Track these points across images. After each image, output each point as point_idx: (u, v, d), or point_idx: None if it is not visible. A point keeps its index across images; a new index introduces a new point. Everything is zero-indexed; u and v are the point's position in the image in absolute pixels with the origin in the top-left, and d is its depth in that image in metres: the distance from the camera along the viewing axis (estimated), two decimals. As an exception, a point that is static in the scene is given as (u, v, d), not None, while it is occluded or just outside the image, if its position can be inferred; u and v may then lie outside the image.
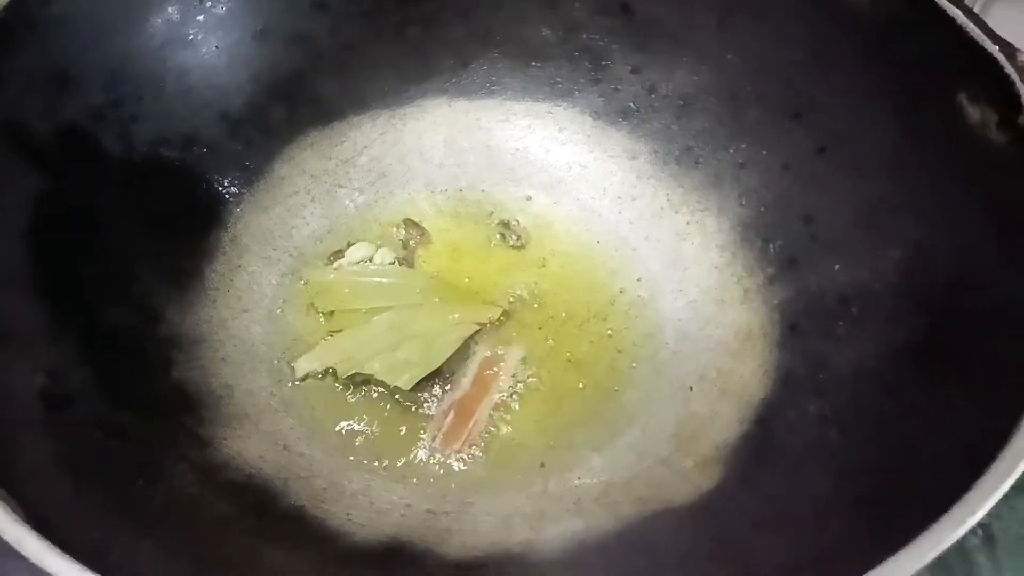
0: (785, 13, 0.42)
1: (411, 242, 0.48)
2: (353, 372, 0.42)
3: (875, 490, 0.31)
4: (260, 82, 0.47)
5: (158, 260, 0.42)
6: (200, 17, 0.44)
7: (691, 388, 0.41)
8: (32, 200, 0.37)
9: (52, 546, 0.24)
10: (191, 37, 0.44)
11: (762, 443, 0.36)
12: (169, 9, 0.43)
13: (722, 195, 0.46)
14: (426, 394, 0.42)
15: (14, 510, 0.25)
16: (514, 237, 0.48)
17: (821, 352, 0.38)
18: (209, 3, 0.44)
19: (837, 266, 0.40)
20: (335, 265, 0.46)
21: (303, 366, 0.42)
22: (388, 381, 0.41)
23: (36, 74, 0.38)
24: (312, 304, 0.45)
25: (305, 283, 0.46)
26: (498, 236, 0.48)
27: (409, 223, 0.48)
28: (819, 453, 0.34)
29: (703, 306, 0.44)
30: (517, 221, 0.48)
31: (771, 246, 0.43)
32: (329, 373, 0.42)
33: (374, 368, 0.41)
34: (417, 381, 0.41)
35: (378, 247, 0.47)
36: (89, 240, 0.39)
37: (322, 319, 0.44)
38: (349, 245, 0.47)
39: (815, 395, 0.36)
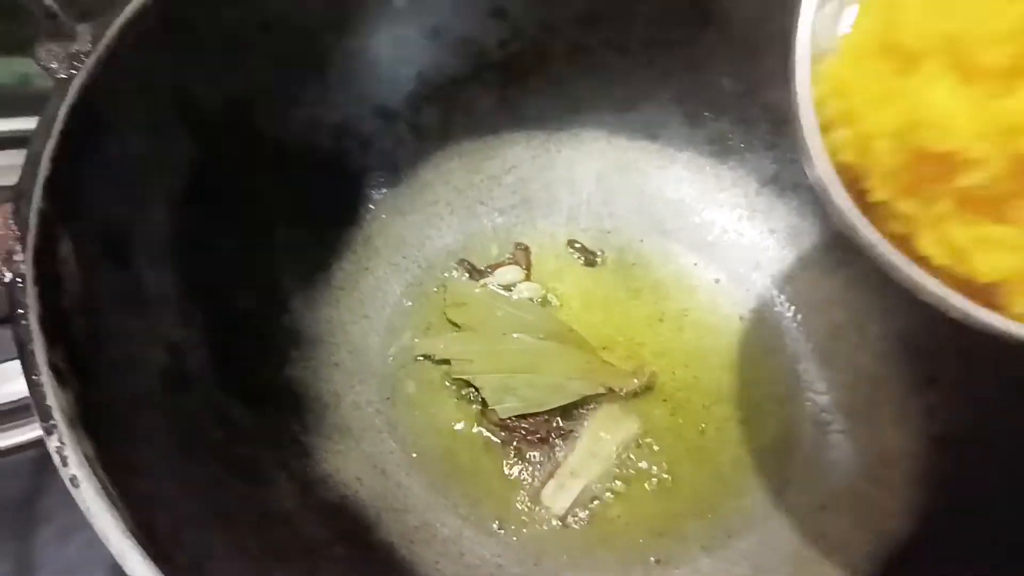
0: None
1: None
2: (464, 377, 0.41)
3: None
4: (422, 81, 0.45)
5: (292, 248, 0.41)
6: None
7: (824, 506, 0.37)
8: (188, 166, 0.36)
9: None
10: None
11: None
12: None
13: (886, 302, 0.41)
14: (535, 443, 0.39)
15: (119, 512, 0.23)
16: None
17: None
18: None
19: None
20: (481, 283, 0.44)
21: (425, 346, 0.42)
22: (488, 401, 0.40)
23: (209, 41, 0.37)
24: (444, 312, 0.43)
25: (445, 290, 0.44)
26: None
27: (520, 248, 0.46)
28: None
29: (849, 415, 0.40)
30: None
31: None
32: (439, 363, 0.42)
33: (483, 382, 0.40)
34: (513, 415, 0.40)
35: (526, 277, 0.45)
36: (232, 217, 0.38)
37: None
38: (468, 268, 0.45)
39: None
